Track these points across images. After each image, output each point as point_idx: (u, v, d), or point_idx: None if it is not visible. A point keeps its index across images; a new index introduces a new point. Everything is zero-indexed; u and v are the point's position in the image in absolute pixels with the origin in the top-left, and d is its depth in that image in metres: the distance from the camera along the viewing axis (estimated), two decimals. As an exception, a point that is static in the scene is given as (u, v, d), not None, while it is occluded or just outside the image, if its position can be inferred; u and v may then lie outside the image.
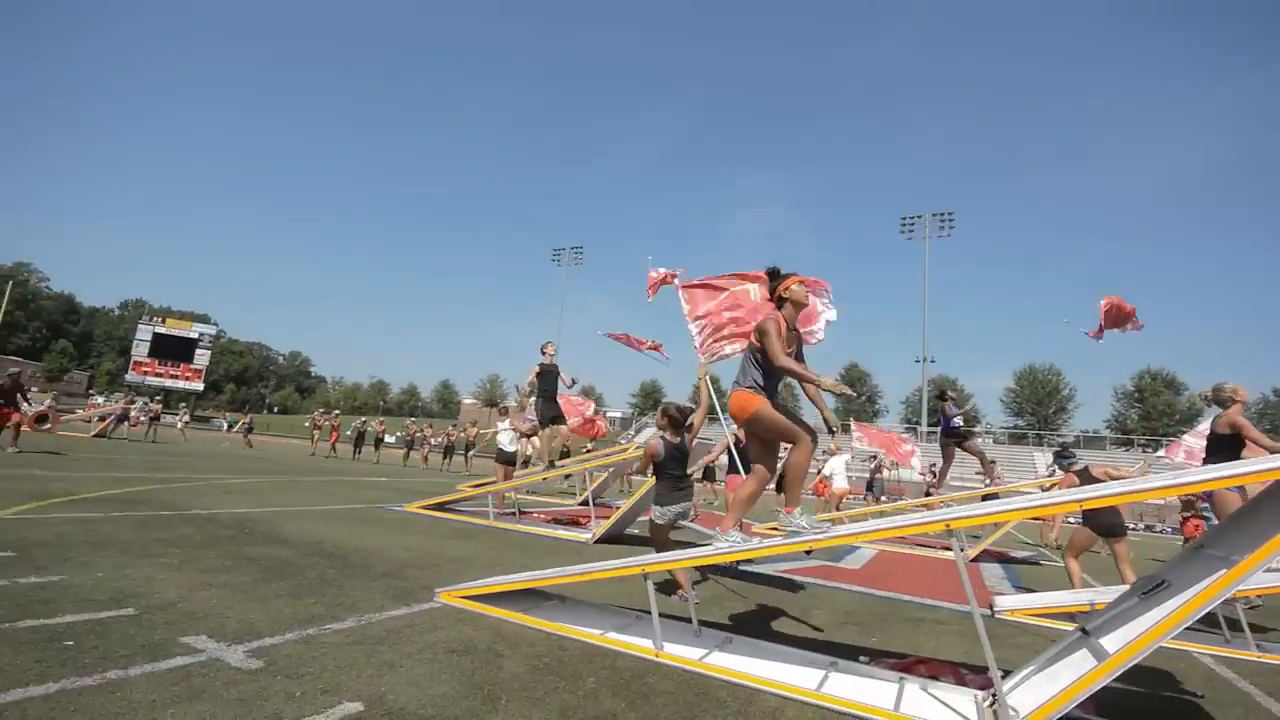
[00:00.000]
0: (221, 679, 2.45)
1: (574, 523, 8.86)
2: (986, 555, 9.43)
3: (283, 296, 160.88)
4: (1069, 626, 4.47)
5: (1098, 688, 2.41)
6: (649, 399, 69.50)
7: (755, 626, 4.24)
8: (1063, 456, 6.89)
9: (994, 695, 2.65)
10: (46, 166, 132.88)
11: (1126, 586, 3.64)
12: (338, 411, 24.09)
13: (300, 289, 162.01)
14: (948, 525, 2.76)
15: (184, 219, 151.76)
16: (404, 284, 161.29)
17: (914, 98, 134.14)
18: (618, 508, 8.01)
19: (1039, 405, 57.01)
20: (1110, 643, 2.55)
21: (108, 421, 19.09)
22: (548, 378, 8.95)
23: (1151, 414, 53.62)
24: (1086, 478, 5.77)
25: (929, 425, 40.17)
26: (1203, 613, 2.39)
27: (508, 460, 10.01)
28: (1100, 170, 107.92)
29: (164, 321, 57.25)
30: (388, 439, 23.64)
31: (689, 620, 3.75)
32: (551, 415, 9.11)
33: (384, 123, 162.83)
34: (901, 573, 7.29)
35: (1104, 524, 5.60)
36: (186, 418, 23.55)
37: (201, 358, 57.21)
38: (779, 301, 3.81)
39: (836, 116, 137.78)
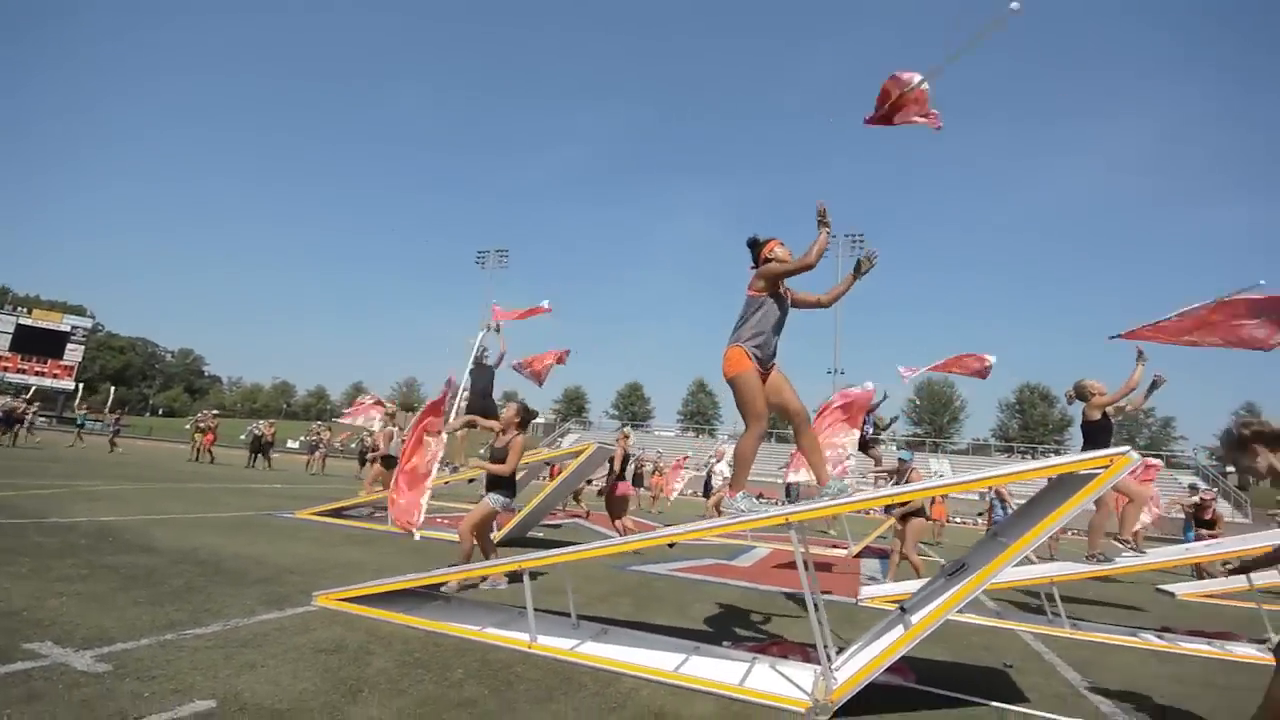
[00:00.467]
0: (65, 682, 2.40)
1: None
2: (868, 551, 10.23)
3: (174, 290, 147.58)
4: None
5: (901, 654, 2.80)
6: (573, 404, 69.38)
7: (636, 619, 4.48)
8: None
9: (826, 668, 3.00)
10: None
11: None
12: (216, 412, 22.32)
13: (195, 283, 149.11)
14: (788, 519, 3.10)
15: (62, 199, 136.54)
16: (315, 282, 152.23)
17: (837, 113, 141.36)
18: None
19: (934, 415, 61.70)
20: (917, 617, 2.95)
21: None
22: (482, 373, 9.01)
23: (1030, 424, 59.34)
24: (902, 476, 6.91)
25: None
26: (984, 586, 2.83)
27: (391, 463, 9.94)
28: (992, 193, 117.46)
29: (29, 313, 51.42)
30: (290, 444, 22.22)
31: (568, 615, 3.93)
32: (481, 410, 9.12)
33: (304, 113, 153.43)
34: (790, 569, 7.79)
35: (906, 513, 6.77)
36: (29, 417, 20.38)
37: (73, 353, 51.85)
38: (765, 264, 3.78)
39: (762, 131, 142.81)
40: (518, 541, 7.70)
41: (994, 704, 3.23)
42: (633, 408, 68.65)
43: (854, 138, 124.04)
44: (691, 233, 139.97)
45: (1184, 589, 8.39)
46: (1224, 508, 21.11)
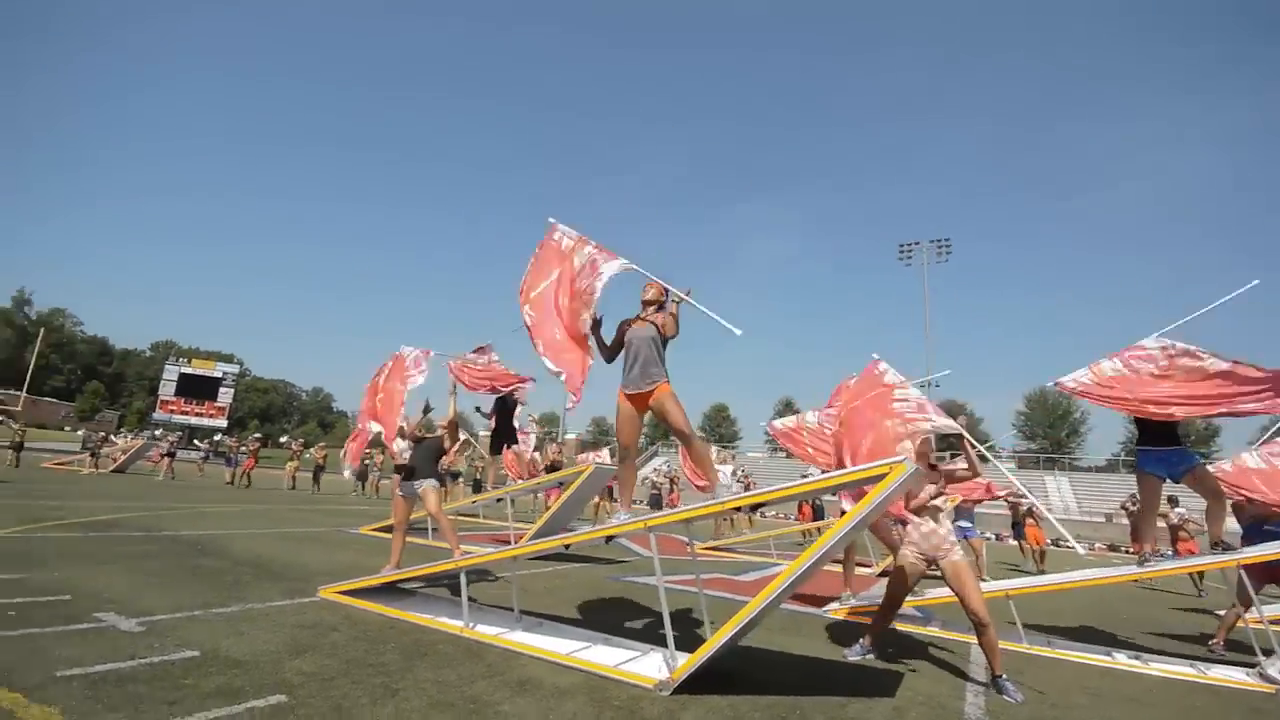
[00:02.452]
0: (109, 636, 3.47)
1: (502, 541, 9.79)
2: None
3: (306, 332, 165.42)
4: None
5: (725, 639, 3.31)
6: (658, 428, 70.28)
7: (594, 617, 5.11)
8: None
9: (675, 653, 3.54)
10: (74, 210, 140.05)
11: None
12: (258, 436, 23.96)
13: (321, 324, 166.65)
14: (645, 524, 3.70)
15: (208, 257, 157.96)
16: (422, 316, 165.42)
17: (912, 123, 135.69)
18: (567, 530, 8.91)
19: (1050, 428, 56.49)
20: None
21: (126, 455, 20.64)
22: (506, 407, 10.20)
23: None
24: None
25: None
26: (791, 581, 3.28)
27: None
28: (1090, 189, 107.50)
29: (189, 361, 59.90)
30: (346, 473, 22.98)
31: (521, 611, 4.67)
32: (499, 445, 10.27)
33: (403, 146, 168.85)
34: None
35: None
36: (121, 443, 21.94)
37: (225, 395, 59.63)
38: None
39: (835, 144, 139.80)
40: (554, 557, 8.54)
41: (835, 697, 3.59)
42: (719, 429, 68.35)
43: (935, 147, 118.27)
44: (772, 250, 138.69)
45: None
46: None
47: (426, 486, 5.81)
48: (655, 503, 16.90)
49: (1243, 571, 5.17)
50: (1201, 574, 10.20)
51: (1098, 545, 25.84)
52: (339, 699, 2.89)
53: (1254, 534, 6.17)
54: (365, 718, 2.72)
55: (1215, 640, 5.69)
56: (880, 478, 3.22)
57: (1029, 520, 12.72)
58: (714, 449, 14.91)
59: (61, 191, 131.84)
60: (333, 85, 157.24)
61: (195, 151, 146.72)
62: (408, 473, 5.98)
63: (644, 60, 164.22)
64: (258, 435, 24.64)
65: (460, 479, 16.23)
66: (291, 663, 3.34)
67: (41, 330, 59.92)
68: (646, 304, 4.54)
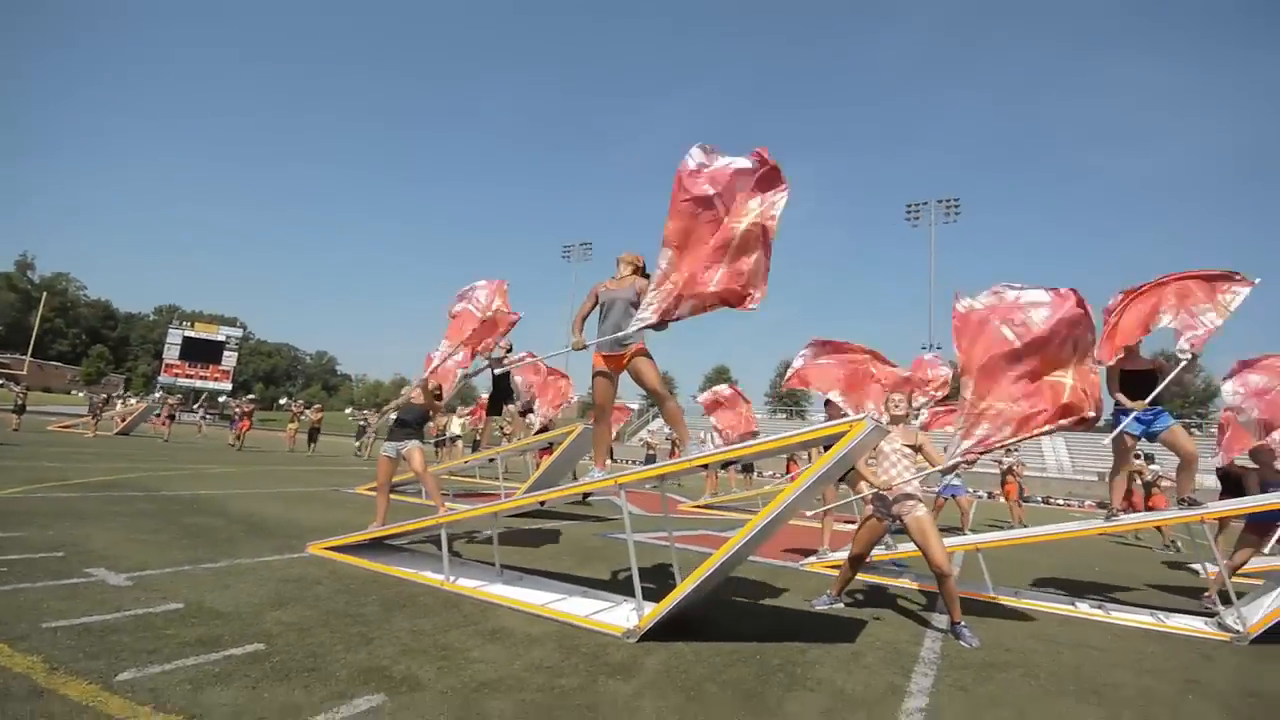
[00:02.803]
0: (97, 590, 3.61)
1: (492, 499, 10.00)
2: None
3: (309, 296, 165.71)
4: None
5: (689, 590, 3.43)
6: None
7: (569, 571, 5.27)
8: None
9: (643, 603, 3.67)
10: (80, 180, 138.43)
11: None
12: (252, 397, 23.68)
13: (326, 287, 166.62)
14: (616, 481, 3.79)
15: (214, 220, 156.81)
16: (422, 278, 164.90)
17: (926, 87, 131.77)
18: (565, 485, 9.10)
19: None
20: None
21: (131, 418, 20.95)
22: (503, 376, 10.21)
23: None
24: None
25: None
26: (752, 535, 3.38)
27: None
28: (1110, 154, 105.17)
29: (193, 325, 60.07)
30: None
31: (504, 565, 4.82)
32: (497, 405, 10.38)
33: (400, 118, 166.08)
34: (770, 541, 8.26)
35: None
36: (119, 407, 21.74)
37: (229, 359, 59.98)
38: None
39: (847, 108, 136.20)
40: (541, 513, 8.75)
41: (797, 643, 3.74)
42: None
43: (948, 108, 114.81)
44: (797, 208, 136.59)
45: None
46: None
47: (411, 447, 5.92)
48: (651, 464, 17.18)
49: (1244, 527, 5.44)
50: (1162, 530, 10.46)
51: (1088, 502, 26.26)
52: (315, 647, 3.03)
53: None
54: (338, 663, 2.86)
55: (1207, 594, 5.80)
56: (841, 435, 3.28)
57: (1009, 477, 13.02)
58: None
59: (66, 156, 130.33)
60: (334, 54, 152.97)
61: (200, 113, 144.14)
62: (391, 433, 6.08)
63: (652, 30, 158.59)
64: (252, 396, 24.49)
65: (460, 440, 16.39)
66: (273, 614, 3.48)
67: (44, 294, 59.82)
68: (628, 265, 4.55)
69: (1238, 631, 4.49)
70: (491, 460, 9.30)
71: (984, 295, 5.07)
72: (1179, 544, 10.53)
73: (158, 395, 23.60)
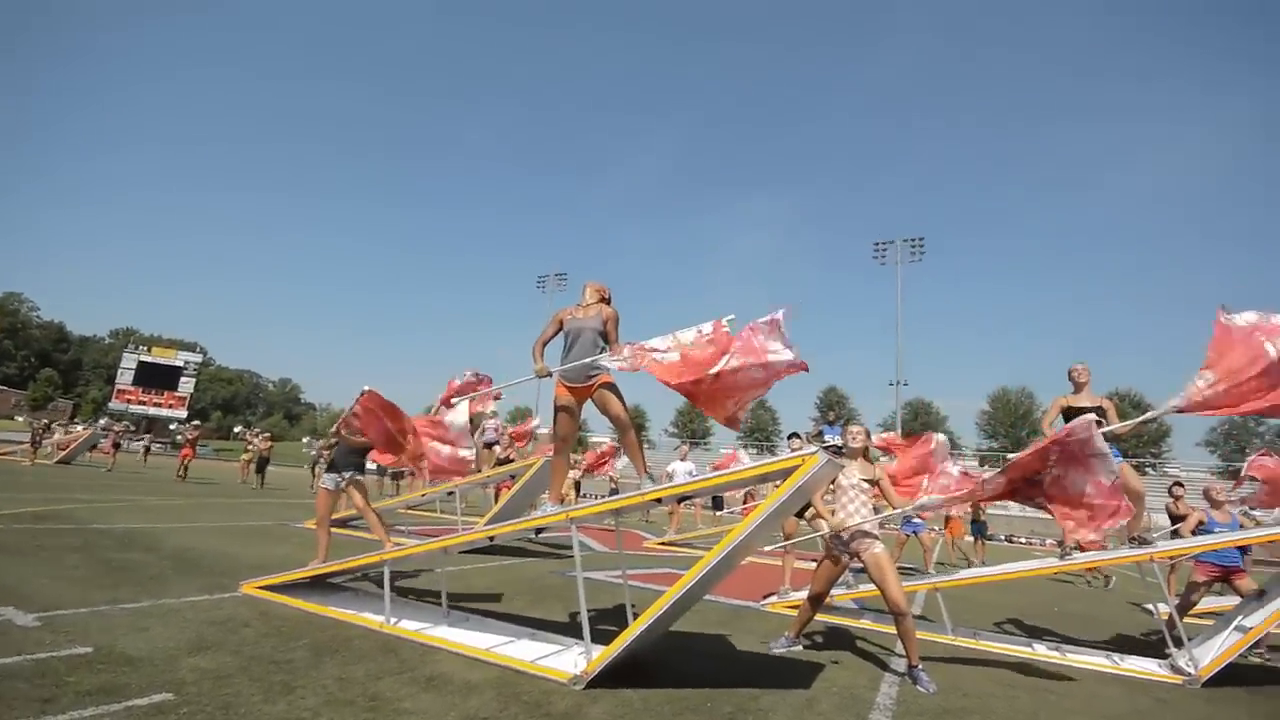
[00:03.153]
0: (1, 632, 3.32)
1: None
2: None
3: (274, 322, 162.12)
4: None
5: (639, 632, 3.30)
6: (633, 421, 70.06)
7: (521, 613, 5.06)
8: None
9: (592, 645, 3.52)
10: (35, 191, 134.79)
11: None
12: (197, 423, 22.57)
13: (291, 315, 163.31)
14: (568, 515, 3.66)
15: (177, 245, 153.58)
16: (391, 307, 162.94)
17: (897, 120, 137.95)
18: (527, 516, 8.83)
19: (1012, 428, 58.01)
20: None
21: (73, 447, 19.90)
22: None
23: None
24: None
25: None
26: (703, 575, 3.28)
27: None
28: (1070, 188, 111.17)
29: (149, 350, 58.11)
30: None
31: (450, 606, 4.60)
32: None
33: (376, 139, 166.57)
34: (730, 579, 8.10)
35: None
36: (58, 435, 20.44)
37: (186, 385, 57.95)
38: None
39: (820, 143, 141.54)
40: (496, 550, 8.47)
41: (750, 689, 3.62)
42: (692, 425, 68.58)
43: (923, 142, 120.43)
44: (756, 245, 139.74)
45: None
46: None
47: (351, 479, 5.68)
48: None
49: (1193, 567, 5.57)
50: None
51: (1049, 541, 26.60)
52: (229, 697, 2.80)
53: None
54: (252, 716, 2.64)
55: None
56: (793, 470, 3.23)
57: (954, 515, 13.07)
58: (685, 445, 14.90)
59: (21, 174, 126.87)
60: (302, 77, 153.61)
61: (165, 140, 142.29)
62: (330, 465, 5.84)
63: (626, 58, 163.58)
64: (196, 423, 23.57)
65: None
66: (189, 660, 3.23)
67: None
68: (595, 293, 4.50)
69: (1189, 674, 4.49)
70: (451, 494, 9.00)
71: (1249, 313, 5.17)
72: (1111, 579, 10.81)
73: (103, 422, 22.53)
